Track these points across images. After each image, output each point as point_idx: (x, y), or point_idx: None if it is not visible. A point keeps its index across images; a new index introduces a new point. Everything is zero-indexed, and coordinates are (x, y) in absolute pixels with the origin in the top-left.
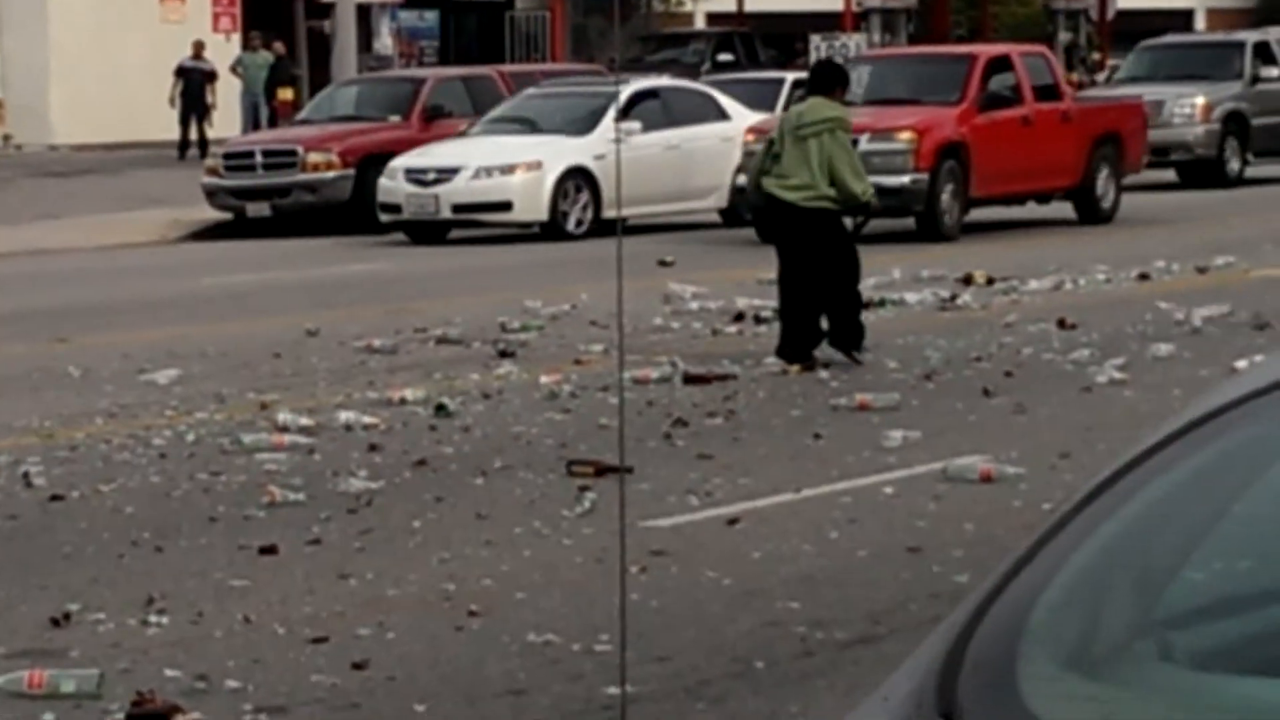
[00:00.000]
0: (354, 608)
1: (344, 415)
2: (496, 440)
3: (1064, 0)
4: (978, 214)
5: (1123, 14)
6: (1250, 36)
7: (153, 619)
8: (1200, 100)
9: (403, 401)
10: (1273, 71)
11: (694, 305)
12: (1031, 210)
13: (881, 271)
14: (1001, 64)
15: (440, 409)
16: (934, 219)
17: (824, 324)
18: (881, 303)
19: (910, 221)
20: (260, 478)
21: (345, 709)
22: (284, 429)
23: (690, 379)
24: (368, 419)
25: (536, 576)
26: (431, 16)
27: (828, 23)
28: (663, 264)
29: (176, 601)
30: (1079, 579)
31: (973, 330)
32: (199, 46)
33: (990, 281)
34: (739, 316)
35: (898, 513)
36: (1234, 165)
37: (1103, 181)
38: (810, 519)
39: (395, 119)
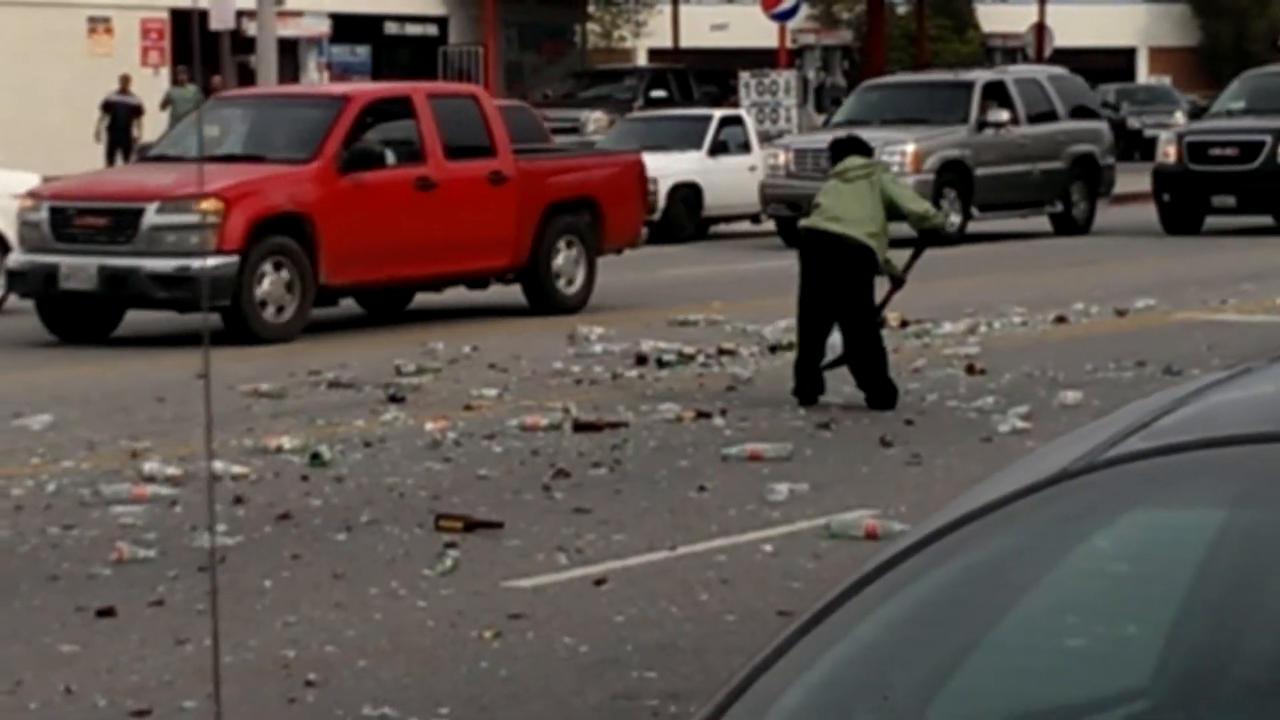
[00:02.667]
0: (184, 676)
1: (214, 464)
2: (368, 492)
3: (1001, 38)
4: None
5: (1061, 52)
6: (981, 76)
7: None
8: (910, 148)
9: (279, 450)
10: (1003, 115)
11: (598, 348)
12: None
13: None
14: (392, 110)
15: (315, 458)
16: (244, 317)
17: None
18: (790, 346)
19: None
20: (114, 532)
21: None
22: (149, 479)
23: (580, 426)
24: (238, 468)
25: (384, 642)
26: (363, 51)
27: (765, 59)
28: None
29: None
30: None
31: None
32: (125, 80)
33: (904, 324)
34: (641, 360)
35: (773, 573)
36: (951, 220)
37: (564, 261)
38: (681, 579)
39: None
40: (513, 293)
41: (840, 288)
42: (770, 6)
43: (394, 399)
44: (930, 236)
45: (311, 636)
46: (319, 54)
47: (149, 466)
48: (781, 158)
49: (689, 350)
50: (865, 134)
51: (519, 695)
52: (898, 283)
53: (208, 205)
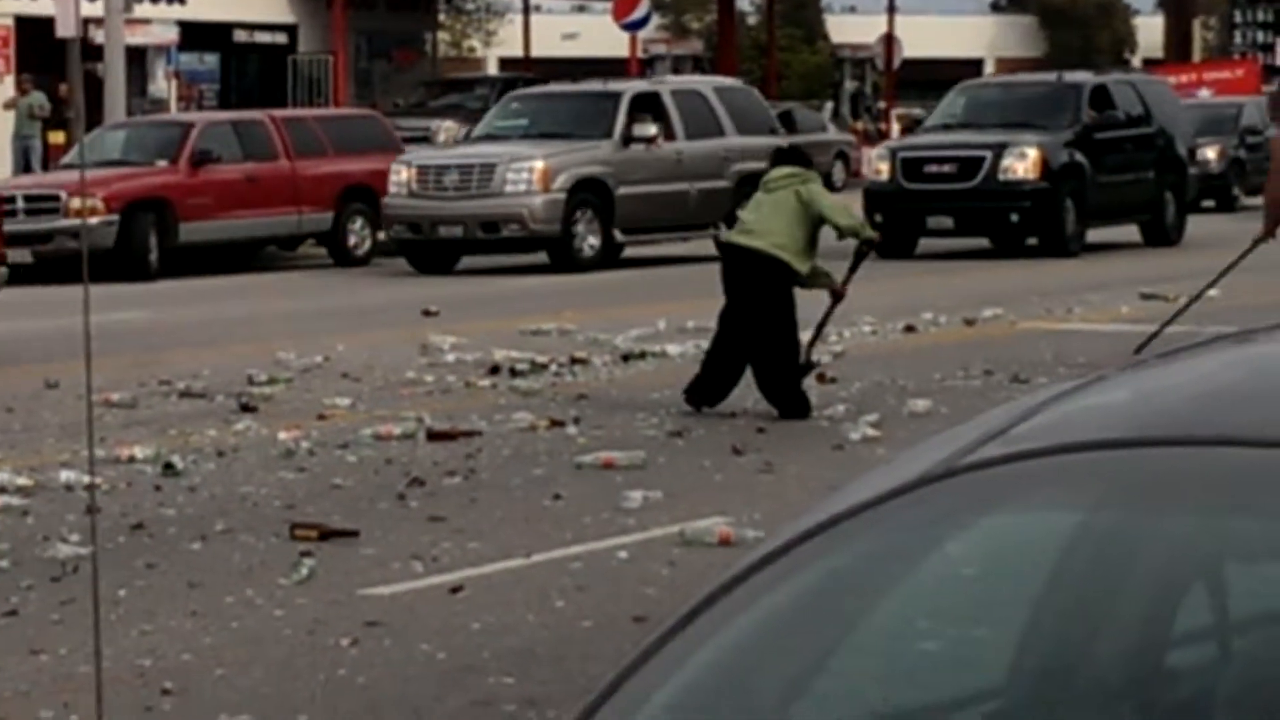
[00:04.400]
0: (40, 687)
1: (65, 474)
2: (222, 501)
3: (850, 49)
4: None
5: (910, 62)
6: (632, 86)
7: None
8: (538, 165)
9: (131, 460)
10: (650, 129)
11: (451, 357)
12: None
13: (646, 322)
14: None
15: (168, 468)
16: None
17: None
18: (642, 355)
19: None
20: None
21: None
22: (0, 489)
23: (434, 435)
24: (89, 478)
25: (241, 651)
26: (212, 59)
27: (616, 69)
28: (427, 314)
29: None
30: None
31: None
32: None
33: None
34: (494, 369)
35: (628, 579)
36: (588, 245)
37: None
38: (537, 586)
39: (163, 163)
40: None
41: (753, 300)
42: (621, 16)
43: (246, 408)
44: (865, 248)
45: (168, 645)
46: (167, 62)
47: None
48: (404, 174)
49: (542, 359)
50: (494, 148)
51: (377, 703)
52: (837, 296)
53: None
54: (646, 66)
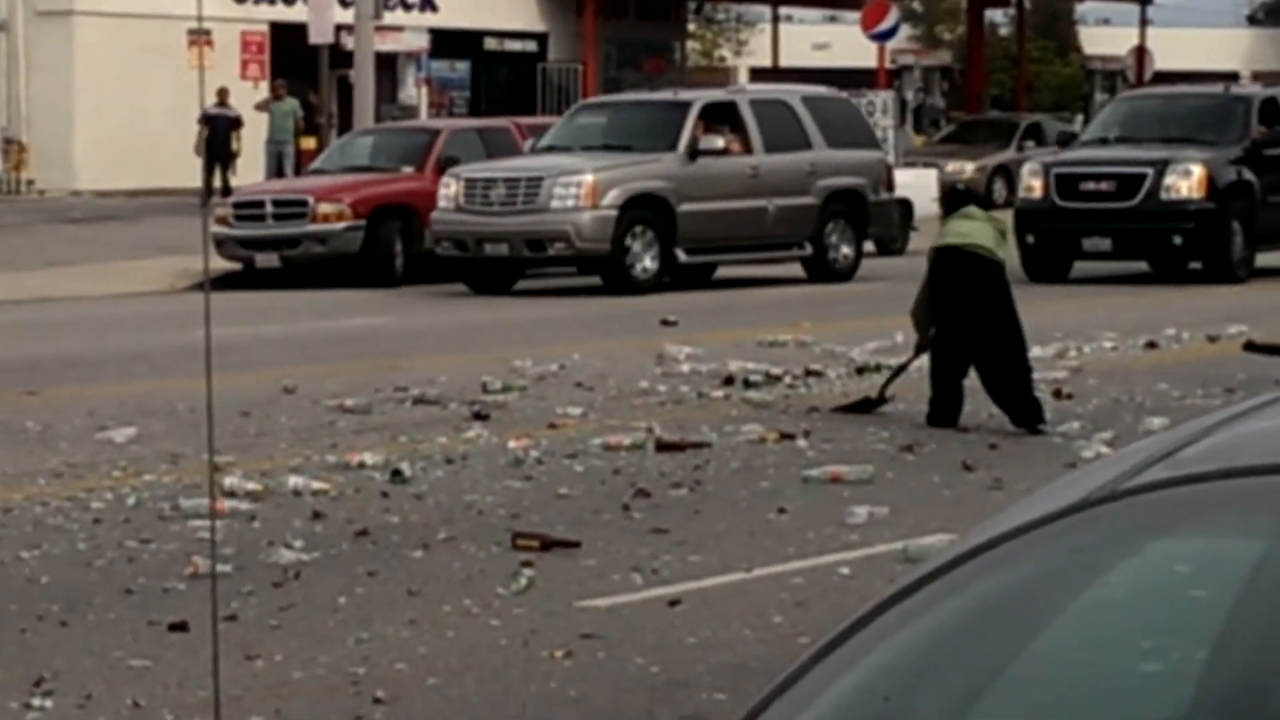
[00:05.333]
0: (253, 692)
1: (294, 480)
2: (447, 509)
3: (1101, 61)
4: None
5: (1161, 75)
6: (703, 96)
7: (36, 702)
8: (587, 179)
9: (360, 466)
10: (717, 141)
11: (686, 367)
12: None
13: (884, 335)
14: None
15: (396, 475)
16: None
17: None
18: (877, 367)
19: None
20: (191, 546)
21: None
22: (230, 494)
23: (663, 446)
24: (318, 484)
25: (454, 660)
26: (463, 67)
27: (865, 79)
28: (665, 323)
29: (67, 682)
30: None
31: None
32: (224, 93)
33: None
34: (729, 380)
35: (849, 595)
36: (643, 265)
37: None
38: (756, 601)
39: (409, 170)
40: None
41: (979, 303)
42: (870, 26)
43: (479, 416)
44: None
45: (383, 654)
46: (418, 69)
47: (229, 481)
48: (453, 188)
49: (776, 371)
50: (547, 161)
51: (589, 715)
52: (921, 348)
53: None
54: (895, 77)
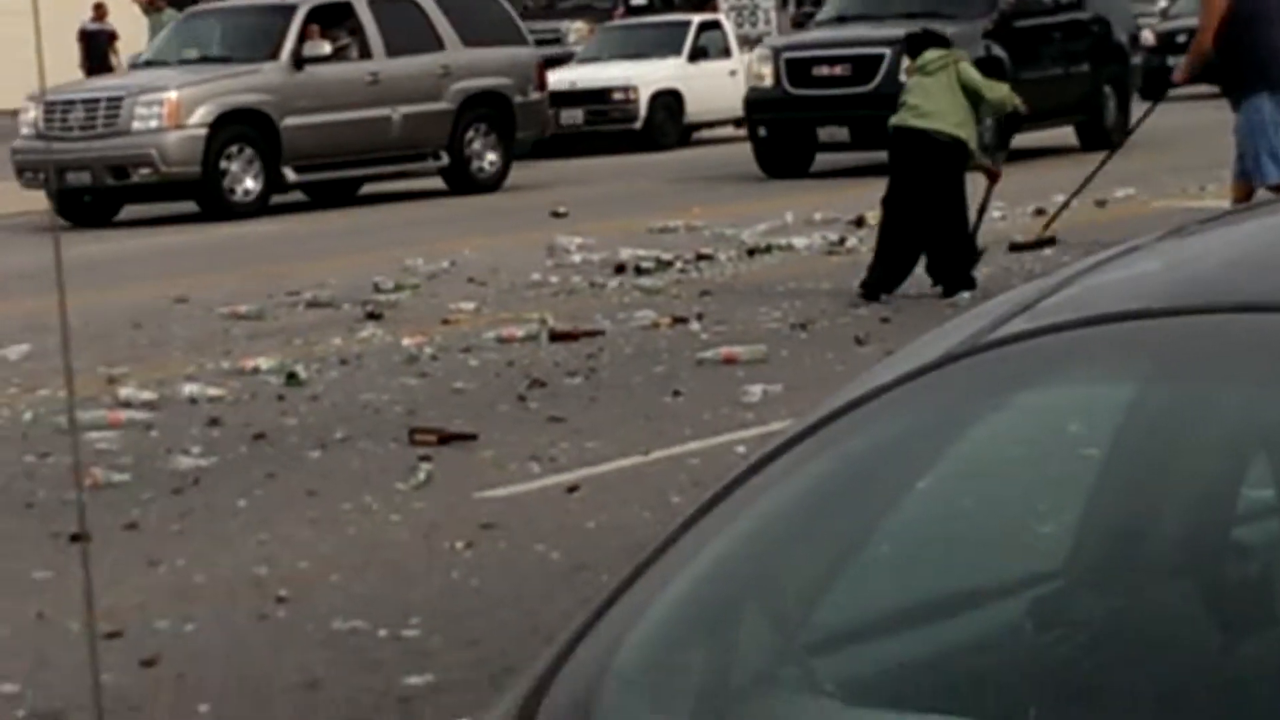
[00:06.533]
0: (157, 598)
1: (189, 388)
2: (344, 409)
3: None
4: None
5: None
6: None
7: None
8: (170, 96)
9: (255, 371)
10: (323, 47)
11: (578, 258)
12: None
13: (774, 215)
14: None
15: (291, 378)
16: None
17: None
18: (768, 249)
19: None
20: (89, 458)
21: (124, 712)
22: (125, 404)
23: (556, 336)
24: (214, 391)
25: (356, 557)
26: None
27: None
28: (556, 215)
29: None
30: (691, 606)
31: (858, 274)
32: (101, 8)
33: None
34: (620, 268)
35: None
36: (243, 188)
37: None
38: (654, 484)
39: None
40: None
41: (931, 183)
42: None
43: (372, 316)
44: (1013, 121)
45: (284, 553)
46: None
47: (124, 392)
48: (32, 113)
49: (667, 257)
50: (135, 78)
51: (490, 604)
52: (993, 177)
53: None
54: None
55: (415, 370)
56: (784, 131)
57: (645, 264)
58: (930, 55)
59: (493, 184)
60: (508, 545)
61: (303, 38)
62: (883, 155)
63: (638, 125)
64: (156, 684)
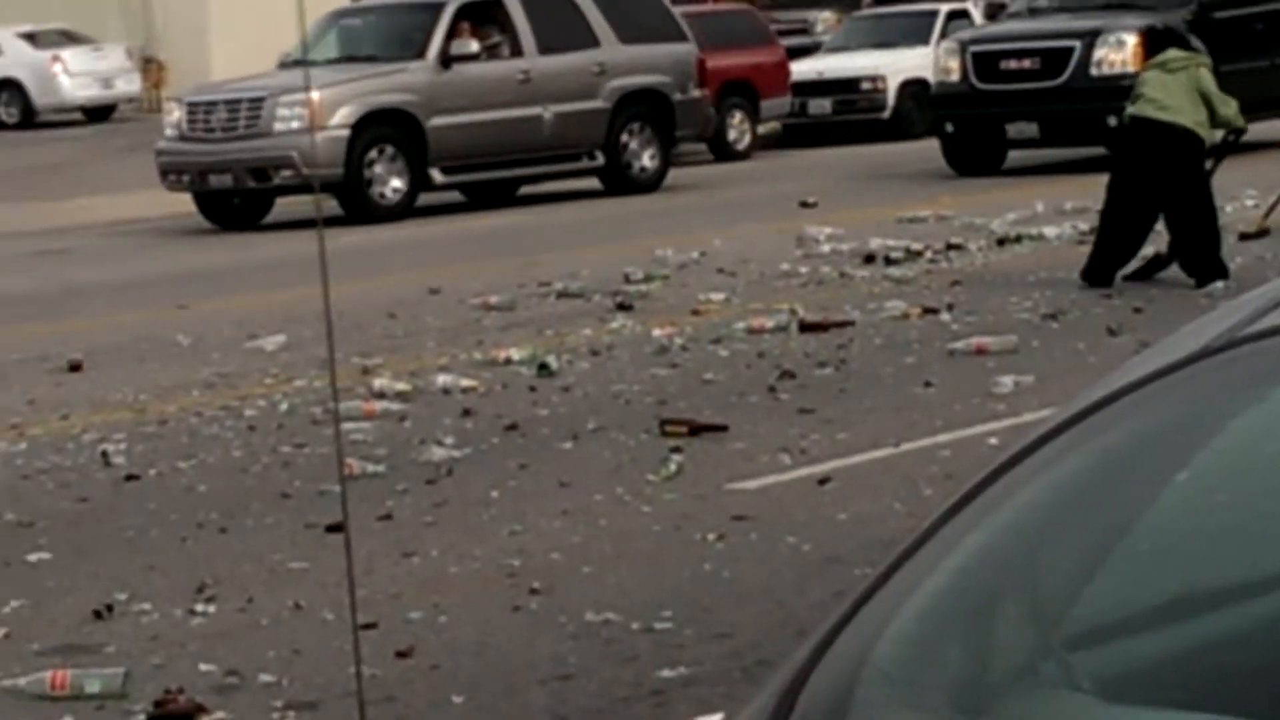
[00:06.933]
0: (411, 589)
1: (442, 379)
2: (595, 400)
3: None
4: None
5: None
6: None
7: (200, 608)
8: (313, 95)
9: (507, 361)
10: (470, 45)
11: (826, 248)
12: None
13: (1024, 205)
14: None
15: (543, 368)
16: None
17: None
18: (1018, 238)
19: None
20: (345, 449)
21: (380, 703)
22: (379, 395)
23: (806, 327)
24: (466, 381)
25: (608, 548)
26: None
27: None
28: (805, 205)
29: (228, 588)
30: (949, 599)
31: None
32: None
33: None
34: (869, 258)
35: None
36: (390, 189)
37: None
38: (905, 475)
39: None
40: None
41: (1173, 175)
42: None
43: (622, 306)
44: (1234, 138)
45: (536, 544)
46: None
47: (379, 383)
48: (175, 114)
49: (917, 247)
50: (280, 79)
51: (741, 596)
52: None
53: None
54: None
55: (666, 361)
56: (972, 128)
57: (895, 254)
58: (1173, 54)
59: (651, 184)
60: (759, 537)
61: (451, 36)
62: (1074, 152)
63: (886, 114)
64: (411, 674)
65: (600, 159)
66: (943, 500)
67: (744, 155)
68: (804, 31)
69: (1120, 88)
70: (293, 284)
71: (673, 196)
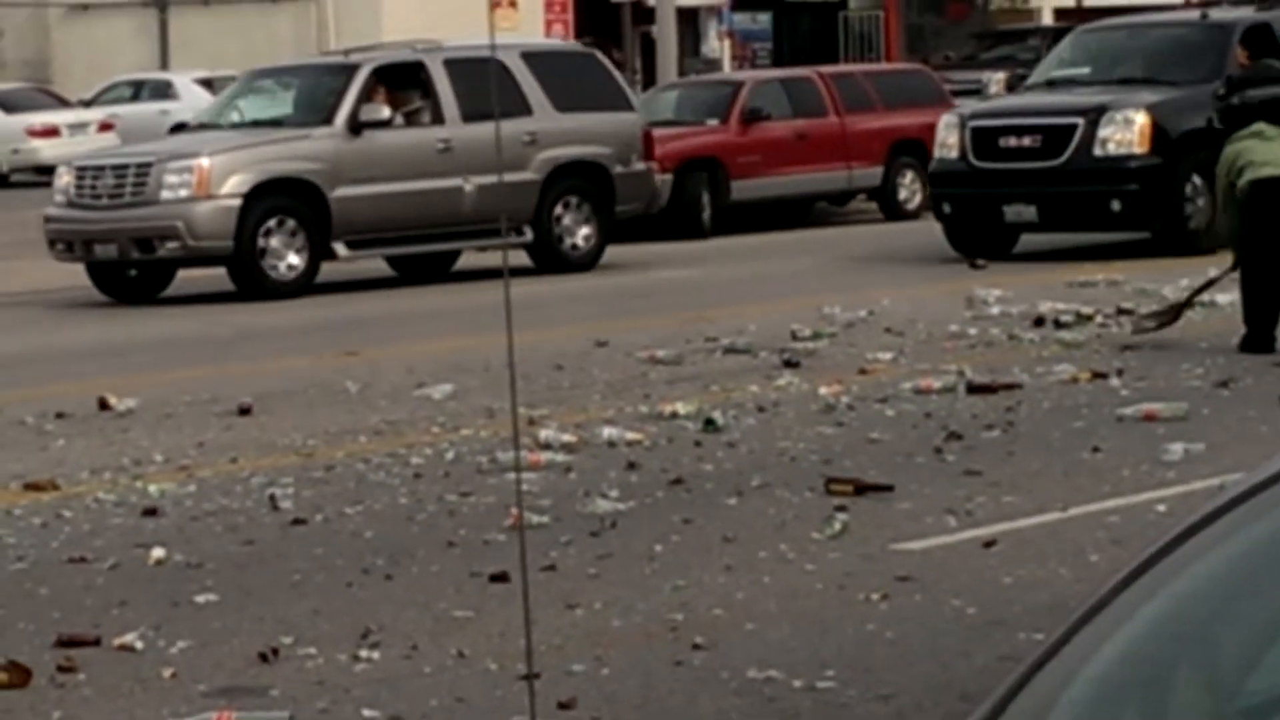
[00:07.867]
0: (574, 640)
1: (608, 431)
2: (760, 456)
3: None
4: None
5: None
6: (376, 57)
7: (364, 653)
8: (201, 163)
9: (673, 416)
10: (381, 112)
11: (996, 310)
12: None
13: (1197, 271)
14: None
15: (709, 423)
16: None
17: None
18: (1190, 303)
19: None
20: (509, 498)
21: None
22: (545, 446)
23: (974, 388)
24: (631, 435)
25: (771, 605)
26: (764, 18)
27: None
28: (974, 266)
29: (393, 634)
30: (1126, 666)
31: None
32: None
33: None
34: (1039, 321)
35: (1167, 534)
36: (284, 264)
37: None
38: (1072, 540)
39: (714, 122)
40: None
41: None
42: None
43: (789, 364)
44: None
45: (700, 599)
46: (719, 22)
47: (545, 433)
48: (64, 179)
49: (1087, 311)
50: (174, 144)
51: (905, 657)
52: None
53: None
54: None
55: (832, 419)
56: (969, 208)
57: (1065, 318)
58: (1260, 126)
59: (586, 263)
60: (923, 598)
61: (364, 100)
62: (1076, 238)
63: None
64: None
65: (529, 235)
66: (1111, 567)
67: (914, 215)
68: (977, 92)
69: (1126, 169)
70: (459, 333)
71: (841, 255)
